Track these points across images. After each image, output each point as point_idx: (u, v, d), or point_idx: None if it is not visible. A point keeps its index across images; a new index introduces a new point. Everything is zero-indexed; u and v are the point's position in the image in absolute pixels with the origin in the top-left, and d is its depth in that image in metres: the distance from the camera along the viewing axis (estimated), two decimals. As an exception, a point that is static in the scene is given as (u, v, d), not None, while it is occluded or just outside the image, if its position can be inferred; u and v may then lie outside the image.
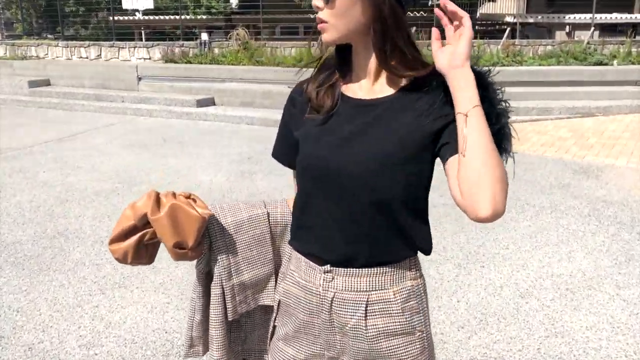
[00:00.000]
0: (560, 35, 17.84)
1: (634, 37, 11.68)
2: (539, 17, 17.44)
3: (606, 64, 10.30)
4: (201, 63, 11.00)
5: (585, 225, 4.12)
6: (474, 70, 1.02)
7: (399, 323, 1.10)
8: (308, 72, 1.24)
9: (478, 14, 20.63)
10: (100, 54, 12.56)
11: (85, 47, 12.79)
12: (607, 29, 17.98)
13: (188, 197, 1.17)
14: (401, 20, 1.05)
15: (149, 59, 11.98)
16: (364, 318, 1.10)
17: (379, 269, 1.10)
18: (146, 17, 15.23)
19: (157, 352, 2.55)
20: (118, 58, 12.35)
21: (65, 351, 2.57)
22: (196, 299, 1.25)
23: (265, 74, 10.12)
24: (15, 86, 11.59)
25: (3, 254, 3.66)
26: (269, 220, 1.25)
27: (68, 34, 16.05)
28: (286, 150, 1.23)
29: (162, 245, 1.19)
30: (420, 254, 1.17)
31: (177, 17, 14.61)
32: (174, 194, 1.15)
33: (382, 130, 1.07)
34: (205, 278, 1.24)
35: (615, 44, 11.28)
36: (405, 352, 1.11)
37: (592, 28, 12.78)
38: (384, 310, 1.10)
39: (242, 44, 11.03)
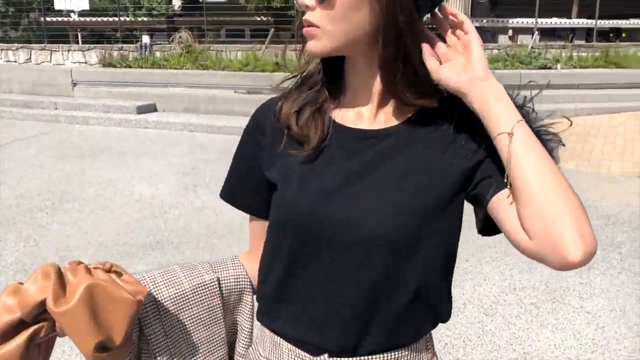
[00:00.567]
0: (503, 39, 18.28)
1: (573, 42, 12.02)
2: (484, 21, 17.80)
3: (550, 68, 10.51)
4: (142, 67, 10.48)
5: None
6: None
7: None
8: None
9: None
10: (31, 57, 11.79)
11: (13, 50, 11.97)
12: (546, 33, 18.55)
13: (109, 270, 0.80)
14: (418, 32, 0.80)
15: (85, 62, 11.34)
16: None
17: (392, 354, 0.84)
18: (82, 19, 14.49)
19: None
20: (50, 62, 11.63)
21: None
22: None
23: (210, 78, 9.73)
24: None
25: None
26: (219, 288, 0.92)
27: (-3, 36, 15.10)
28: (247, 193, 0.94)
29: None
30: None
31: (116, 18, 13.97)
32: (87, 268, 0.78)
33: (402, 170, 0.81)
34: None
35: (557, 48, 11.56)
36: None
37: (536, 32, 13.07)
38: None
39: (185, 47, 10.60)
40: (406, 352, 0.85)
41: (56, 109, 9.55)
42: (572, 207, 0.71)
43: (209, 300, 0.91)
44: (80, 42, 14.28)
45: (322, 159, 0.84)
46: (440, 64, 0.81)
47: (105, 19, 15.04)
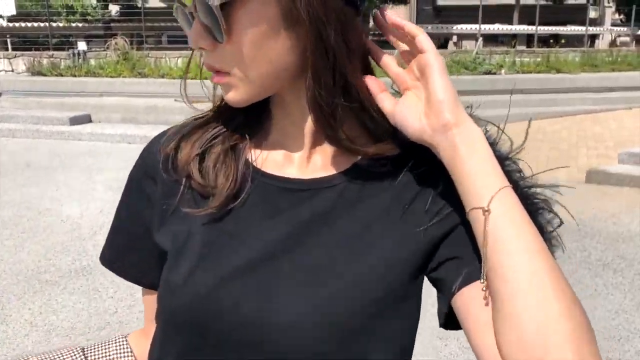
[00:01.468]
0: (448, 46, 18.60)
1: (515, 47, 12.26)
2: (429, 27, 18.02)
3: (494, 73, 10.64)
4: (75, 75, 9.93)
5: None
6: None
7: None
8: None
9: (370, 25, 21.01)
10: (-48, 66, 10.97)
11: None
12: (489, 39, 19.01)
13: None
14: (359, 48, 0.58)
15: (12, 71, 10.63)
16: None
17: None
18: (10, 24, 13.66)
19: None
20: (-26, 70, 10.85)
21: None
22: None
23: (149, 86, 9.29)
24: None
25: None
26: None
27: None
28: (133, 260, 0.70)
29: None
30: None
31: (53, 24, 13.22)
32: None
33: (341, 244, 0.59)
34: None
35: (500, 54, 11.75)
36: None
37: (480, 38, 13.27)
38: None
39: (122, 54, 10.09)
40: None
41: (-21, 121, 8.84)
42: (571, 321, 0.47)
43: None
44: (10, 48, 13.44)
45: (232, 220, 0.61)
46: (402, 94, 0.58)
47: (36, 24, 14.22)
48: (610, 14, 24.35)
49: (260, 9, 0.53)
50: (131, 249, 0.70)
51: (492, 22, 18.69)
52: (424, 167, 0.60)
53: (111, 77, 9.76)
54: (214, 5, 0.52)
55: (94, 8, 13.73)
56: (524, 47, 14.65)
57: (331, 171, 0.61)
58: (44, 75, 9.95)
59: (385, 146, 0.60)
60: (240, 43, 0.54)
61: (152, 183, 0.66)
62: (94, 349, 0.72)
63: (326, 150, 0.62)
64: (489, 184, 0.52)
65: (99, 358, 0.71)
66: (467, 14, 16.58)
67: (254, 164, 0.63)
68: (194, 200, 0.62)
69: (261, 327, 0.55)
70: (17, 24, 14.63)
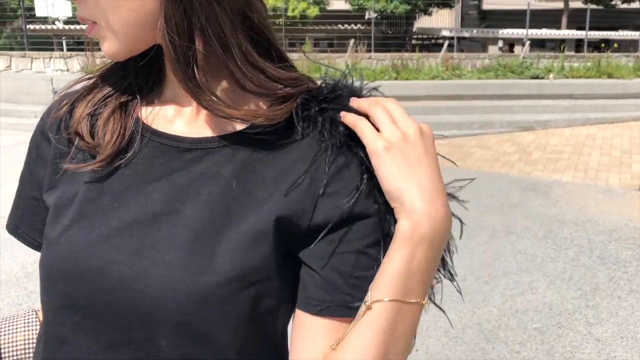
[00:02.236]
0: (493, 50, 18.25)
1: (564, 52, 11.93)
2: (474, 31, 17.75)
3: (542, 78, 10.38)
4: (126, 75, 10.24)
5: (543, 249, 3.79)
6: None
7: None
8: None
9: (415, 28, 20.84)
10: (10, 65, 11.46)
11: (-6, 57, 11.66)
12: (536, 44, 18.56)
13: None
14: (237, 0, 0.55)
15: (67, 70, 11.04)
16: None
17: None
18: (67, 27, 14.21)
19: None
20: (31, 69, 11.31)
21: None
22: None
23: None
24: None
25: None
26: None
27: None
28: (30, 219, 0.68)
29: None
30: None
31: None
32: None
33: (222, 208, 0.55)
34: None
35: (549, 58, 11.46)
36: None
37: (528, 42, 12.97)
38: None
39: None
40: None
41: (35, 117, 9.23)
42: None
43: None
44: (65, 49, 13.99)
45: (116, 179, 0.59)
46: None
47: (91, 26, 14.79)
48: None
49: None
50: (33, 214, 0.67)
51: (540, 27, 18.25)
52: (327, 145, 0.56)
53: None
54: None
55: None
56: (573, 52, 14.23)
57: (219, 131, 0.58)
58: (97, 74, 10.32)
59: (263, 112, 0.56)
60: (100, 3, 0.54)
61: (47, 145, 0.64)
62: (2, 322, 0.71)
63: (216, 107, 0.57)
64: (390, 285, 0.52)
65: (5, 332, 0.70)
66: (513, 19, 16.24)
67: (144, 120, 0.61)
68: (84, 160, 0.60)
69: (128, 291, 0.53)
70: (72, 26, 15.20)
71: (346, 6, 17.84)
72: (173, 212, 0.55)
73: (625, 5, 21.04)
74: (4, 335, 0.69)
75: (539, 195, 5.12)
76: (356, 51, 11.58)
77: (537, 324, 2.82)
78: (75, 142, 0.62)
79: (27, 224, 0.68)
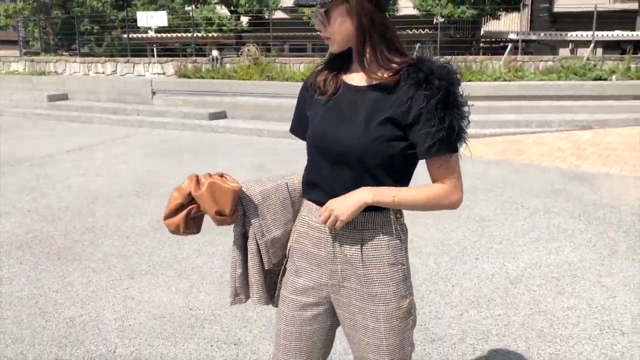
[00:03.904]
0: (563, 52, 18.21)
1: (633, 54, 12.00)
2: (542, 34, 17.82)
3: (605, 79, 10.62)
4: (213, 78, 11.44)
5: (575, 225, 4.42)
6: (436, 65, 1.35)
7: (385, 256, 1.42)
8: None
9: (482, 32, 21.07)
10: (116, 70, 13.05)
11: (101, 63, 13.30)
12: (612, 47, 18.33)
13: (221, 175, 1.46)
14: (381, 25, 1.35)
15: (163, 74, 12.44)
16: (360, 250, 1.42)
17: (370, 213, 1.40)
18: (158, 35, 15.76)
19: (183, 325, 2.88)
20: (133, 73, 12.83)
21: (103, 323, 2.90)
22: (236, 256, 1.54)
23: (275, 88, 10.53)
24: (34, 100, 12.07)
25: (38, 247, 4.01)
26: (288, 188, 1.55)
27: (83, 51, 16.61)
28: (300, 126, 1.55)
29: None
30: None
31: (188, 34, 15.13)
32: (210, 175, 1.44)
33: (370, 110, 1.36)
34: (242, 238, 1.53)
35: (614, 60, 11.61)
36: (391, 278, 1.43)
37: (592, 44, 13.12)
38: (375, 245, 1.42)
39: (252, 60, 11.47)
40: (380, 214, 1.42)
41: (138, 115, 10.62)
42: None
43: (283, 195, 1.55)
44: (155, 55, 15.55)
45: (332, 103, 1.43)
46: None
47: (179, 34, 16.27)
48: None
49: (339, 13, 1.32)
50: (299, 121, 1.55)
51: (612, 29, 17.99)
52: (405, 94, 1.34)
53: (243, 79, 11.15)
54: (321, 12, 1.33)
55: (229, 20, 15.46)
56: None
57: (368, 83, 1.39)
58: (189, 77, 11.59)
59: (387, 77, 1.36)
60: (332, 26, 1.34)
61: (306, 92, 1.52)
62: (286, 176, 1.59)
63: (370, 73, 1.38)
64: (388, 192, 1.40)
65: (288, 178, 1.57)
66: (585, 20, 16.19)
67: (344, 79, 1.43)
68: (320, 96, 1.46)
69: (336, 142, 1.37)
70: (163, 35, 16.75)
71: (415, 12, 18.45)
72: (353, 113, 1.38)
73: None
74: (288, 180, 1.57)
75: (583, 184, 5.68)
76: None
77: (555, 274, 3.51)
78: (317, 90, 1.47)
79: (301, 126, 1.55)
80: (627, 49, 12.37)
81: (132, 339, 2.75)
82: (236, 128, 9.44)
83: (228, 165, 6.75)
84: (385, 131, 1.34)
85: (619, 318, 2.94)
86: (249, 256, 1.52)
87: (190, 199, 1.44)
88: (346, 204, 1.35)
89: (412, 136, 1.34)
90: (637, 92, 10.02)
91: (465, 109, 1.35)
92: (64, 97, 12.29)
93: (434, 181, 1.40)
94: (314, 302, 1.50)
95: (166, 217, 1.46)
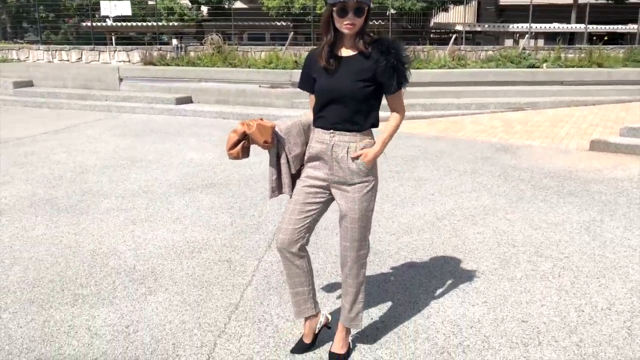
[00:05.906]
0: (508, 43, 19.56)
1: (560, 44, 13.29)
2: (486, 26, 19.10)
3: (538, 67, 11.84)
4: (178, 65, 12.03)
5: (494, 181, 5.43)
6: (391, 41, 2.21)
7: (362, 165, 2.30)
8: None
9: (432, 23, 22.26)
10: (81, 57, 13.43)
11: (66, 51, 13.63)
12: (553, 38, 19.75)
13: (260, 119, 2.34)
14: (368, 20, 2.25)
15: (129, 61, 12.92)
16: (346, 155, 2.29)
17: (354, 133, 2.28)
18: (116, 24, 16.12)
19: (184, 251, 3.68)
20: (98, 61, 13.24)
21: (120, 252, 3.67)
22: (272, 168, 2.41)
23: (238, 74, 11.24)
24: None
25: (47, 205, 4.70)
26: (302, 123, 2.43)
27: (35, 39, 16.78)
28: (306, 84, 2.39)
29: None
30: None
31: (146, 24, 15.59)
32: (253, 120, 2.33)
33: (356, 70, 2.22)
34: (275, 156, 2.40)
35: (547, 50, 12.88)
36: (365, 183, 2.31)
37: (527, 36, 14.38)
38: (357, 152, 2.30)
39: (216, 48, 12.12)
40: (360, 133, 2.28)
41: (107, 100, 11.12)
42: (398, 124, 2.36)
43: (298, 127, 2.42)
44: (114, 44, 15.93)
45: (332, 67, 2.27)
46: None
47: (138, 24, 16.67)
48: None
49: (365, 12, 2.18)
50: (307, 81, 2.38)
51: (550, 22, 19.42)
52: (377, 57, 2.21)
53: (207, 66, 11.80)
54: (358, 13, 2.18)
55: (190, 9, 15.97)
56: (571, 45, 15.52)
57: (354, 51, 2.24)
58: (154, 65, 12.14)
59: (366, 49, 2.22)
60: (359, 20, 2.18)
61: (310, 61, 2.36)
62: (301, 115, 2.50)
63: (357, 46, 2.24)
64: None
65: (303, 116, 2.46)
66: (527, 14, 17.49)
67: (339, 53, 2.27)
68: (322, 63, 2.28)
69: (335, 91, 2.25)
70: (122, 24, 17.09)
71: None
72: (345, 71, 2.25)
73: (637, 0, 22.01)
74: (302, 117, 2.46)
75: (508, 153, 6.73)
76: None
77: (472, 213, 4.47)
78: (320, 61, 2.29)
79: (309, 86, 2.38)
80: (557, 40, 13.69)
81: (146, 261, 3.53)
82: (202, 111, 10.12)
83: (197, 143, 7.48)
84: (364, 80, 2.22)
85: (514, 237, 3.92)
86: (282, 167, 2.40)
87: (244, 135, 2.32)
88: (373, 155, 2.29)
89: (380, 81, 2.24)
90: (563, 78, 11.26)
91: (407, 66, 2.26)
92: (29, 84, 12.59)
93: (391, 108, 2.34)
94: (317, 184, 2.37)
95: (229, 149, 2.34)
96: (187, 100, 10.91)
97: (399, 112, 2.35)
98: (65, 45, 14.03)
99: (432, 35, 20.94)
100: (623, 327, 2.73)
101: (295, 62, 11.29)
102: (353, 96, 2.23)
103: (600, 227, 4.14)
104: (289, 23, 15.79)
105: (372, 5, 2.24)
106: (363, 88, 2.23)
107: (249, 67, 11.51)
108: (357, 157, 2.28)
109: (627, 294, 3.08)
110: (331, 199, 2.40)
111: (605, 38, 15.87)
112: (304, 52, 12.03)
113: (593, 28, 18.57)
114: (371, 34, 2.28)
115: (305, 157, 2.41)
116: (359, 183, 2.31)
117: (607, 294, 3.07)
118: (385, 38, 2.25)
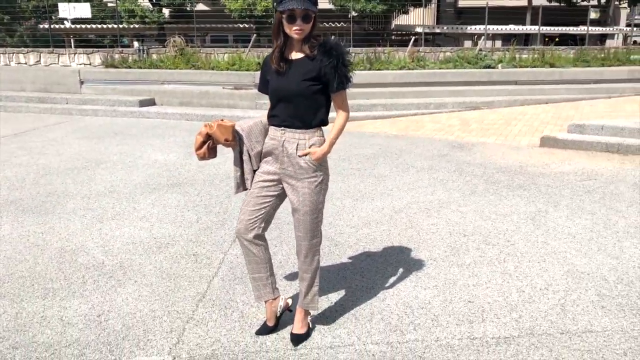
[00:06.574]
0: (467, 44, 20.16)
1: (514, 45, 13.84)
2: (445, 27, 19.63)
3: (493, 67, 12.30)
4: (141, 68, 12.01)
5: (450, 176, 5.72)
6: (334, 43, 2.40)
7: (310, 162, 2.48)
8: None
9: (393, 25, 22.73)
10: (40, 60, 13.22)
11: (23, 54, 13.41)
12: (508, 39, 20.45)
13: (221, 120, 2.50)
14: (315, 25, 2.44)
15: (89, 64, 12.81)
16: (296, 151, 2.46)
17: (303, 130, 2.45)
18: (75, 26, 15.93)
19: (151, 247, 3.80)
20: (58, 64, 13.07)
21: (88, 248, 3.77)
22: (236, 164, 2.57)
23: (201, 76, 11.31)
24: (-43, 90, 12.07)
25: (11, 207, 4.73)
26: (262, 122, 2.59)
27: None
28: (263, 86, 2.56)
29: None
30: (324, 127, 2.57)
31: (106, 26, 15.46)
32: (214, 121, 2.49)
33: (303, 71, 2.40)
34: (238, 154, 2.56)
35: (502, 51, 13.38)
36: (313, 178, 2.49)
37: (483, 37, 14.89)
38: (304, 147, 2.47)
39: (178, 50, 12.14)
40: (309, 130, 2.46)
41: (67, 103, 11.03)
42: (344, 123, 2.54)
43: (259, 126, 2.58)
44: (72, 47, 15.73)
45: (282, 69, 2.46)
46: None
47: (97, 26, 16.49)
48: (626, 14, 25.45)
49: (313, 19, 2.37)
50: (264, 83, 2.55)
51: (507, 23, 20.11)
52: (322, 61, 2.39)
53: (170, 69, 11.82)
54: (306, 20, 2.38)
55: (151, 12, 15.90)
56: (524, 46, 16.15)
57: (302, 55, 2.43)
58: (116, 67, 12.08)
59: (311, 52, 2.40)
60: (307, 26, 2.36)
61: (265, 66, 2.54)
62: (261, 117, 2.65)
63: (303, 50, 2.43)
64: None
65: (262, 118, 2.62)
66: (488, 16, 18.08)
67: (289, 57, 2.44)
68: (274, 66, 2.47)
69: (285, 92, 2.43)
70: (81, 26, 16.88)
71: (331, 6, 19.68)
72: (294, 73, 2.44)
73: (586, 3, 23.00)
74: (262, 118, 2.62)
75: (463, 150, 7.05)
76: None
77: (428, 206, 4.73)
78: (272, 65, 2.49)
79: (265, 87, 2.54)
80: (512, 42, 14.23)
81: (115, 256, 3.64)
82: (166, 113, 10.16)
83: (161, 144, 7.55)
84: (310, 80, 2.40)
85: (465, 228, 4.19)
86: (245, 164, 2.57)
87: (208, 137, 2.49)
88: (321, 153, 2.46)
89: (324, 81, 2.41)
90: (518, 78, 11.74)
91: (350, 67, 2.45)
92: (-14, 87, 12.35)
93: (336, 107, 2.51)
94: (270, 179, 2.55)
95: (196, 150, 2.50)
96: (151, 102, 10.91)
97: (343, 110, 2.52)
98: (23, 48, 13.79)
99: (393, 37, 21.38)
100: (557, 304, 3.00)
101: (259, 63, 11.43)
102: (301, 94, 2.41)
103: (544, 217, 4.45)
104: (251, 25, 15.92)
105: (317, 11, 2.42)
106: (309, 87, 2.40)
107: (212, 69, 11.59)
108: (305, 155, 2.45)
109: (563, 275, 3.37)
110: (285, 192, 2.58)
111: (557, 39, 16.58)
112: (266, 53, 12.19)
113: (546, 30, 19.35)
114: (318, 37, 2.45)
115: (262, 153, 2.59)
116: (307, 178, 2.49)
117: (546, 276, 3.35)
118: (328, 40, 2.40)
